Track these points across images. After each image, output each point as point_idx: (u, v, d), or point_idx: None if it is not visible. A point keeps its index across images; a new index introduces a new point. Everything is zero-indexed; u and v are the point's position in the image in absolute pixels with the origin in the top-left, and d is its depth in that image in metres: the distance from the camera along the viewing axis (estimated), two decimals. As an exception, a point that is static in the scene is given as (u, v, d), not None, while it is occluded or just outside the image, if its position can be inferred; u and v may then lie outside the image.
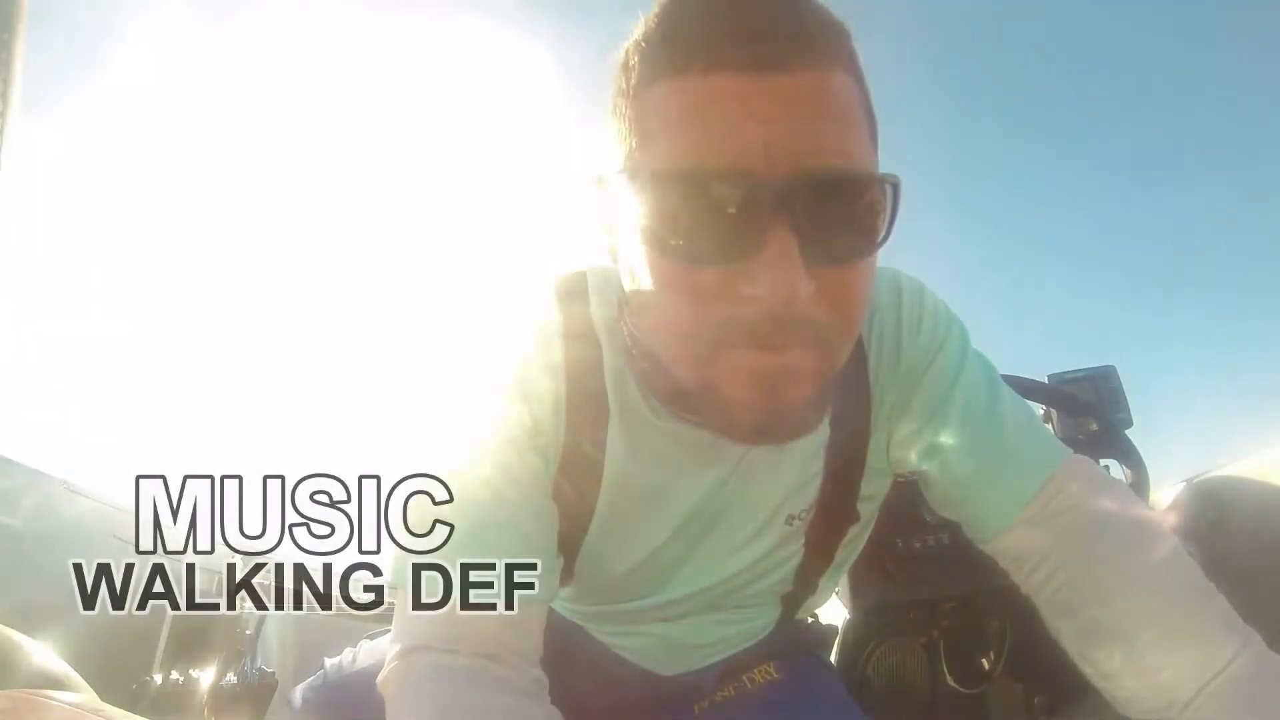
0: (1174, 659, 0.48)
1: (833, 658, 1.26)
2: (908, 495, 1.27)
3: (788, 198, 0.38)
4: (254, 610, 2.61)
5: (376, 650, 0.71)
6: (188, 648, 2.38)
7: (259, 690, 2.33)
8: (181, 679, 2.12)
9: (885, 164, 0.46)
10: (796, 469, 0.60)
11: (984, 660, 1.33)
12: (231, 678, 2.23)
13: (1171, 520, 1.28)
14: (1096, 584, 0.53)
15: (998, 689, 1.33)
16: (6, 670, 0.70)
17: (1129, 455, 1.22)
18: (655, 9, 0.44)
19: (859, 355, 0.58)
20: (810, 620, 0.86)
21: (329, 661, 0.73)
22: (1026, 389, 1.31)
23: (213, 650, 2.39)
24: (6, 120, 0.60)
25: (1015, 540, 0.58)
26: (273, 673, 2.37)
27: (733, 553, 0.63)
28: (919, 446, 0.60)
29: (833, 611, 1.32)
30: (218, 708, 2.09)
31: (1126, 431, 1.28)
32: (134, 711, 0.53)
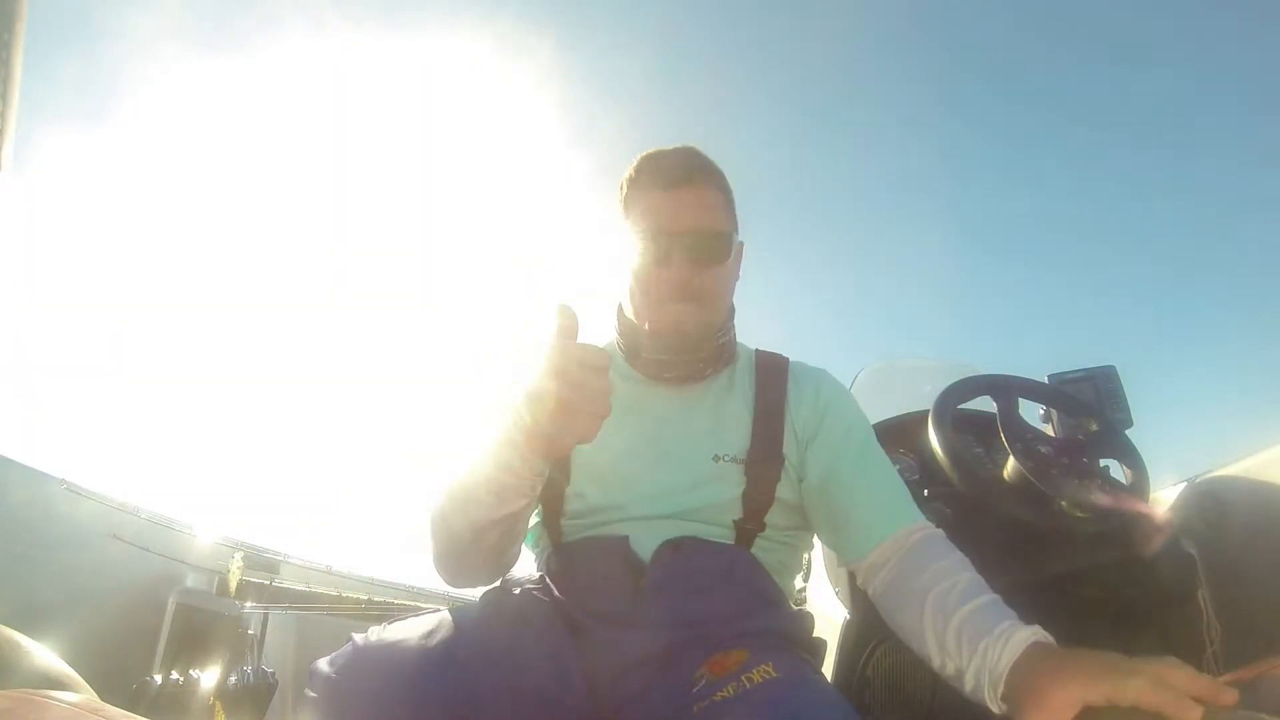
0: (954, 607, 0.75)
1: (832, 657, 1.26)
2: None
3: (682, 239, 0.89)
4: (255, 610, 2.62)
5: (404, 626, 0.75)
6: (188, 648, 2.38)
7: (260, 690, 2.33)
8: (181, 679, 2.13)
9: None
10: (711, 415, 0.95)
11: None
12: (233, 678, 2.24)
13: (1171, 520, 1.28)
14: (910, 595, 0.81)
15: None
16: (6, 670, 0.70)
17: (1129, 455, 1.22)
18: (635, 163, 0.96)
19: (780, 378, 0.98)
20: (799, 613, 0.91)
21: (357, 636, 0.74)
22: (1026, 389, 1.31)
23: (213, 650, 2.39)
24: (7, 120, 0.61)
25: (868, 562, 0.87)
26: (273, 673, 2.37)
27: (679, 473, 0.91)
28: (819, 462, 0.92)
29: (832, 612, 1.31)
30: (219, 707, 2.09)
31: (1126, 431, 1.28)
32: (134, 711, 0.53)
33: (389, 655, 0.70)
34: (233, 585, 2.66)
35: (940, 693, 1.28)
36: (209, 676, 2.17)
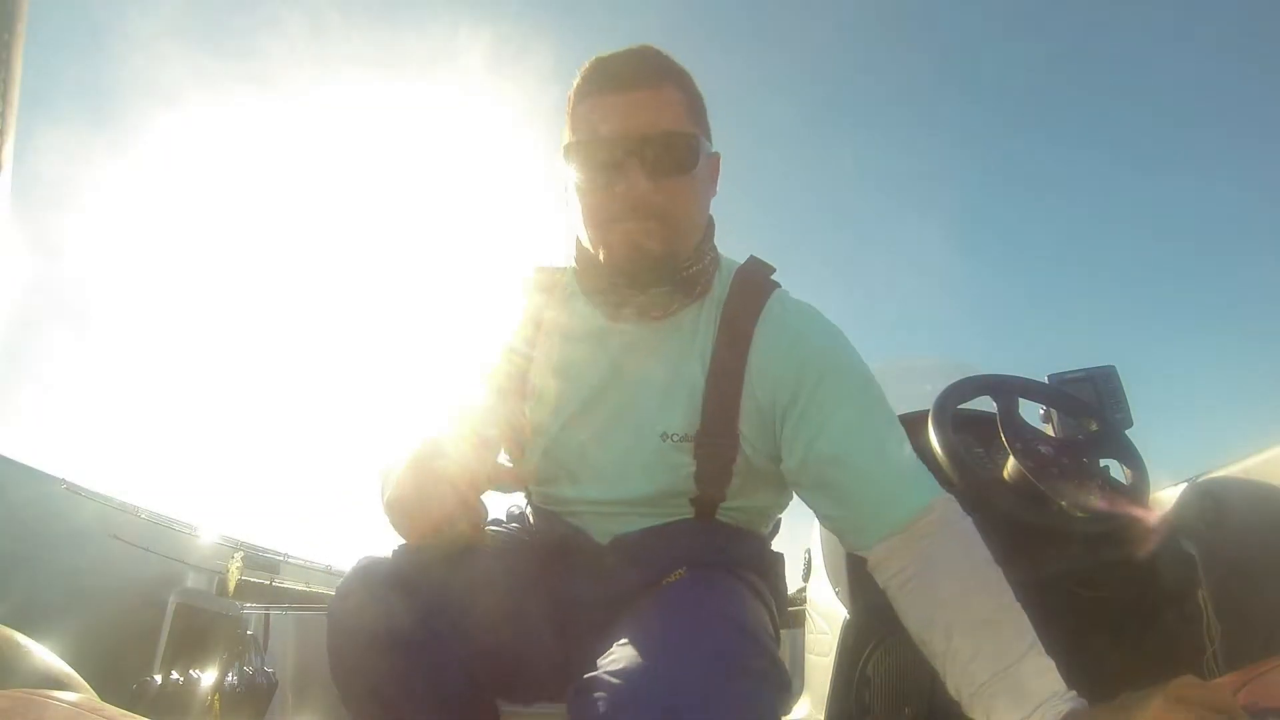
0: (979, 652, 0.66)
1: (833, 657, 1.26)
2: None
3: (637, 146, 0.77)
4: (255, 610, 2.61)
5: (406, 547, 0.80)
6: (188, 648, 2.38)
7: (260, 690, 2.33)
8: (181, 679, 2.12)
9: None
10: (667, 372, 0.84)
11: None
12: (232, 678, 2.24)
13: (1171, 520, 1.28)
14: (935, 594, 0.71)
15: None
16: (6, 670, 0.70)
17: (1129, 455, 1.22)
18: (581, 70, 0.82)
19: (744, 332, 0.83)
20: (754, 543, 0.93)
21: (363, 560, 0.79)
22: (1026, 389, 1.31)
23: (213, 650, 2.39)
24: (7, 120, 0.60)
25: (885, 550, 0.75)
26: (273, 673, 2.37)
27: (628, 454, 0.85)
28: (799, 440, 0.79)
29: (832, 612, 1.31)
30: (219, 707, 2.09)
31: (1126, 431, 1.28)
32: (134, 711, 0.53)
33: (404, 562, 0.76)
34: (232, 585, 2.65)
35: (940, 693, 1.27)
36: (209, 676, 2.16)
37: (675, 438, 0.83)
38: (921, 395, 1.33)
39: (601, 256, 0.81)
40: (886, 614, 1.23)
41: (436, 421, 0.77)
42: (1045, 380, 1.38)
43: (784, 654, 0.80)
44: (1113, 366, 1.40)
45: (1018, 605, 0.69)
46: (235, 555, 2.76)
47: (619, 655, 0.65)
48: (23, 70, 0.61)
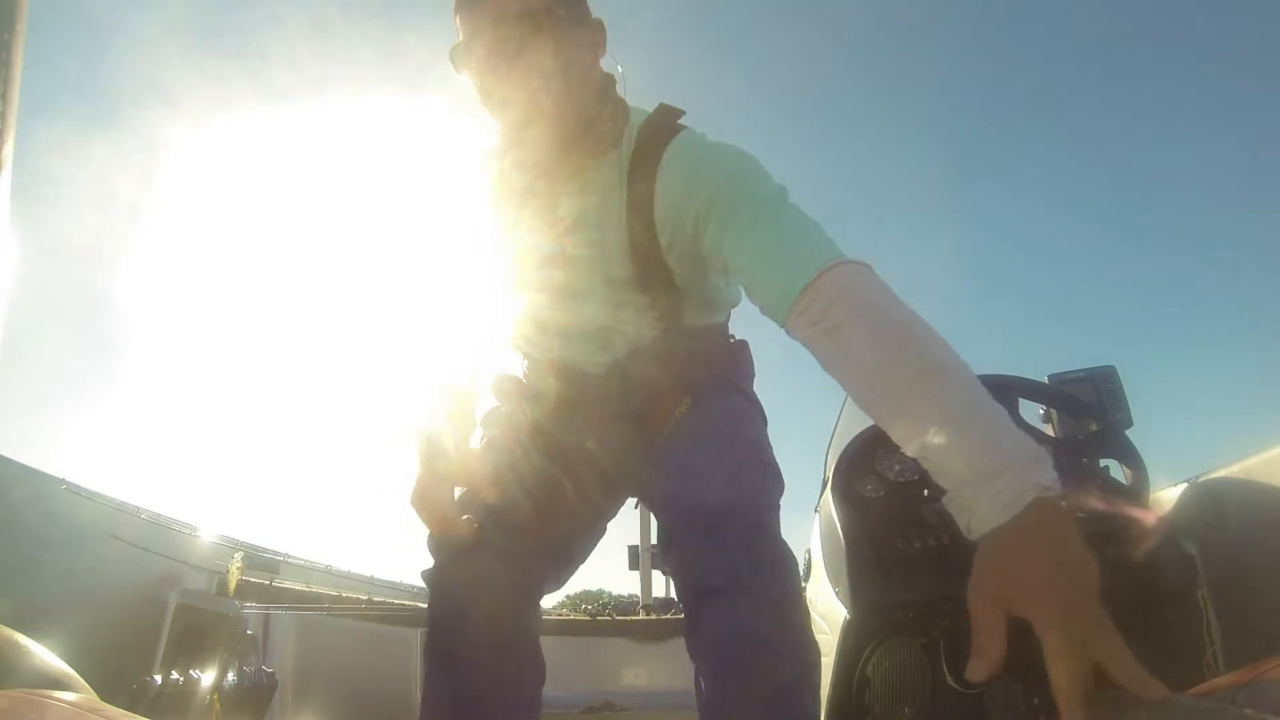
0: (909, 432, 0.65)
1: (833, 658, 1.26)
2: (908, 495, 1.28)
3: (489, 33, 0.85)
4: (255, 610, 2.61)
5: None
6: (188, 648, 2.38)
7: (260, 690, 2.33)
8: (181, 679, 2.12)
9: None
10: (594, 224, 0.92)
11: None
12: (232, 678, 2.24)
13: (1171, 520, 1.28)
14: (851, 367, 0.72)
15: (998, 689, 1.33)
16: (6, 670, 0.70)
17: (1129, 455, 1.22)
18: None
19: (650, 171, 0.88)
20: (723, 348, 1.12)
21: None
22: (1026, 389, 1.31)
23: (213, 650, 2.39)
24: (7, 120, 0.60)
25: (799, 332, 0.76)
26: (273, 673, 2.37)
27: (587, 313, 0.97)
28: (712, 256, 0.86)
29: (832, 612, 1.31)
30: (219, 707, 2.09)
31: (1126, 431, 1.28)
32: (134, 711, 0.53)
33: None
34: (232, 585, 2.65)
35: (940, 693, 1.28)
36: (209, 676, 2.16)
37: (619, 280, 0.94)
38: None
39: (509, 137, 0.93)
40: (886, 614, 1.24)
41: (438, 413, 0.95)
42: (1045, 380, 1.38)
43: None
44: (1113, 367, 1.40)
45: (939, 364, 0.67)
46: (235, 555, 2.76)
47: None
48: (23, 70, 0.62)
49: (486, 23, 0.85)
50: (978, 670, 0.55)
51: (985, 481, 0.58)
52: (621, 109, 0.94)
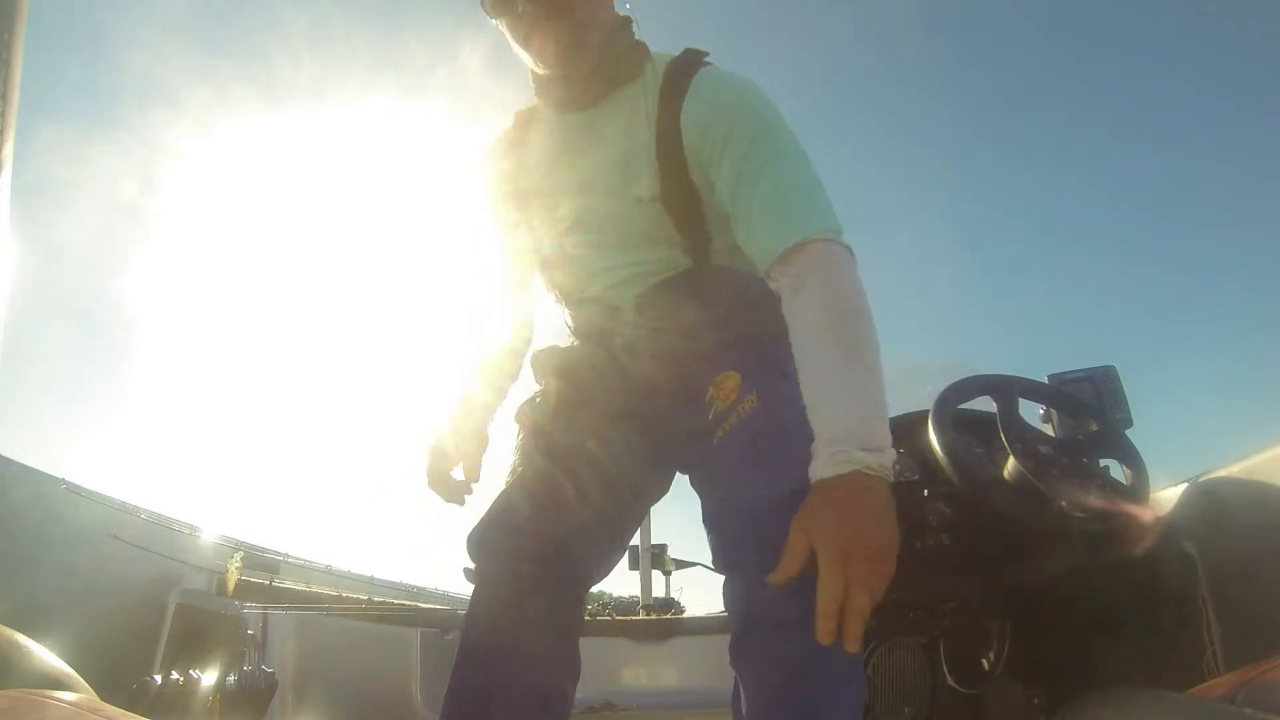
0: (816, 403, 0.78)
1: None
2: (908, 496, 1.28)
3: None
4: (255, 610, 2.61)
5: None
6: (188, 648, 2.38)
7: (260, 690, 2.33)
8: (181, 679, 2.12)
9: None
10: (621, 145, 0.96)
11: (984, 660, 1.33)
12: (232, 678, 2.23)
13: (1171, 520, 1.28)
14: (798, 332, 0.82)
15: (998, 689, 1.33)
16: (6, 670, 0.70)
17: (1129, 455, 1.22)
18: None
19: (678, 95, 0.92)
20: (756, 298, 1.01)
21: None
22: (1026, 389, 1.31)
23: (213, 650, 2.39)
24: (7, 120, 0.60)
25: (771, 281, 0.86)
26: (273, 673, 2.37)
27: (615, 235, 0.99)
28: (721, 184, 0.90)
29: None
30: (219, 707, 2.09)
31: (1126, 431, 1.28)
32: (134, 711, 0.53)
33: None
34: (232, 585, 2.65)
35: (940, 693, 1.28)
36: (209, 676, 2.16)
37: (646, 199, 0.95)
38: (921, 395, 1.33)
39: (537, 70, 0.98)
40: (886, 614, 1.24)
41: (442, 412, 1.08)
42: (1045, 380, 1.38)
43: None
44: (1113, 367, 1.40)
45: (859, 350, 0.78)
46: (235, 555, 2.76)
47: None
48: (23, 70, 0.61)
49: None
50: (777, 576, 0.71)
51: (831, 444, 0.73)
52: (641, 46, 1.01)
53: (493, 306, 1.16)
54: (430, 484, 1.05)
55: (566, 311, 1.13)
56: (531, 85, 1.02)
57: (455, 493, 1.05)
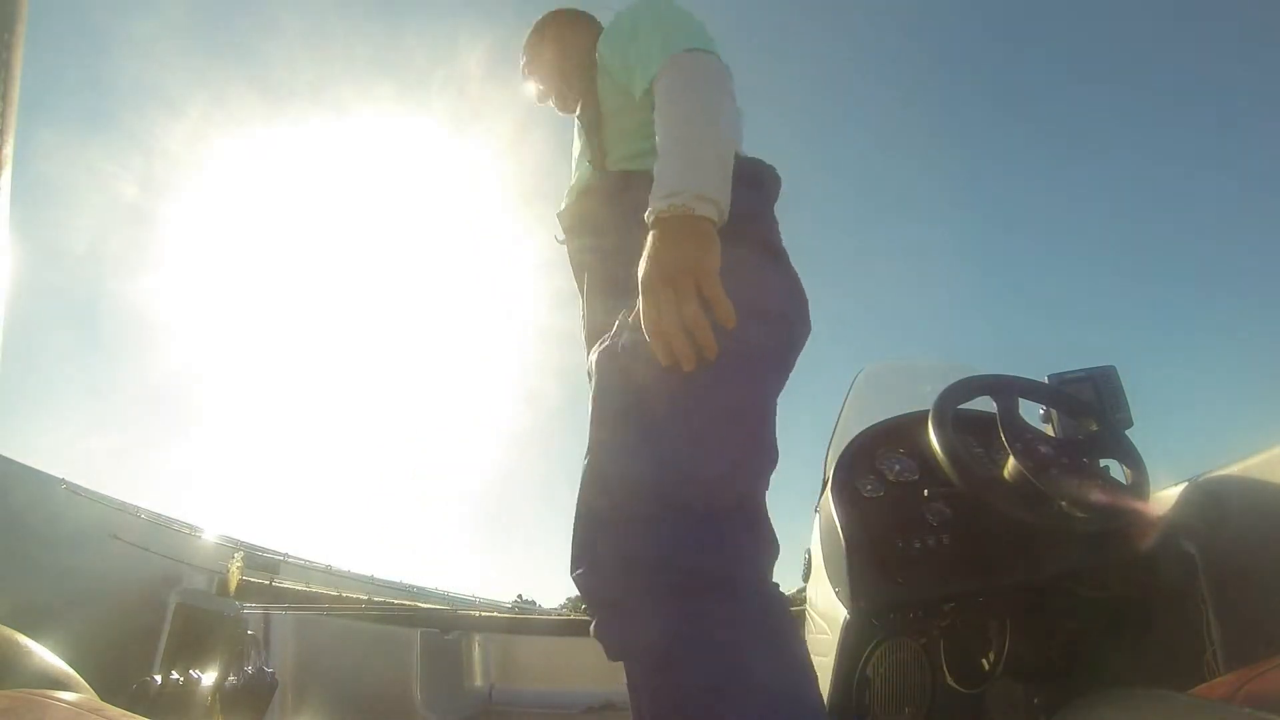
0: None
1: (833, 658, 1.26)
2: (908, 495, 1.28)
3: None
4: (255, 610, 2.62)
5: None
6: (188, 648, 2.38)
7: (260, 690, 2.33)
8: (181, 679, 2.12)
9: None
10: (584, 132, 1.11)
11: (984, 660, 1.33)
12: (232, 678, 2.24)
13: (1171, 520, 1.28)
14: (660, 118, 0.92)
15: (998, 689, 1.33)
16: (6, 670, 0.70)
17: (1129, 455, 1.22)
18: None
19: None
20: None
21: None
22: (1026, 389, 1.31)
23: (213, 650, 2.39)
24: (7, 120, 0.61)
25: (655, 93, 0.94)
26: (273, 672, 2.37)
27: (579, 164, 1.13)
28: (613, 55, 1.04)
29: (832, 612, 1.32)
30: (219, 707, 2.09)
31: (1126, 431, 1.28)
32: (134, 711, 0.53)
33: None
34: (232, 585, 2.66)
35: (940, 693, 1.28)
36: (209, 676, 2.16)
37: (586, 128, 1.10)
38: (921, 395, 1.33)
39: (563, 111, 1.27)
40: (886, 614, 1.24)
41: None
42: (1045, 380, 1.38)
43: None
44: (1113, 367, 1.40)
45: (709, 118, 0.87)
46: (235, 555, 2.76)
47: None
48: (23, 70, 0.62)
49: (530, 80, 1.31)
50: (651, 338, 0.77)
51: (666, 191, 0.80)
52: (582, 73, 1.16)
53: None
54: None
55: None
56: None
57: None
